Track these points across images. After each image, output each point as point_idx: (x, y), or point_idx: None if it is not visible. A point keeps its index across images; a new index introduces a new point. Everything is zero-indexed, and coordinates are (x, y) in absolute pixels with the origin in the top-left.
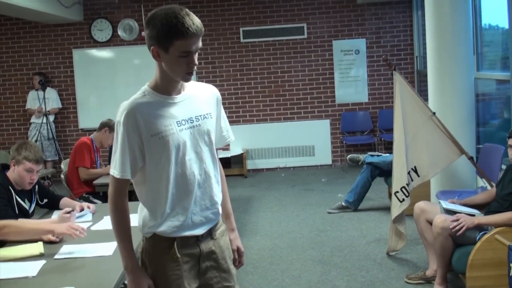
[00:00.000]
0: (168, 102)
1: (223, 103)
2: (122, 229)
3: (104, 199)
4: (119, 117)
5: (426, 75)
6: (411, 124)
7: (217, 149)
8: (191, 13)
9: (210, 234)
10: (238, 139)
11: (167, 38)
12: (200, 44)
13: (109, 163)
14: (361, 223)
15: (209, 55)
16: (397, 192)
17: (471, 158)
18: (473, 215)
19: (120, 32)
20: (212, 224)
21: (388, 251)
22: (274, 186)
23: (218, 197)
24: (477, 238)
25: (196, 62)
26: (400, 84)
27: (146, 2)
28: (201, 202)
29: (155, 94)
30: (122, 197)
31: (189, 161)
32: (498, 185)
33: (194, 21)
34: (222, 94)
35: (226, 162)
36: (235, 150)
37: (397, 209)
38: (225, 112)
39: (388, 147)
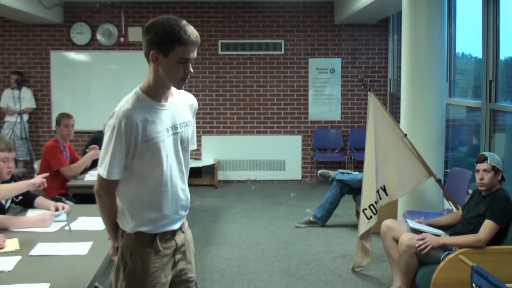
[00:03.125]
0: (159, 109)
1: (197, 113)
2: (104, 217)
3: (76, 200)
4: (115, 122)
5: (398, 98)
6: (383, 144)
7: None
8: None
9: (180, 228)
10: (210, 149)
11: (169, 43)
12: (195, 54)
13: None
14: (328, 239)
15: None
16: (365, 209)
17: (439, 181)
18: (439, 236)
19: (99, 37)
20: (183, 219)
21: (354, 267)
22: (244, 198)
23: (187, 194)
24: (442, 257)
25: (192, 70)
26: (374, 105)
27: (126, 9)
28: (178, 201)
29: (147, 99)
30: (105, 193)
31: (171, 164)
32: (464, 208)
33: (194, 30)
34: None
35: (197, 172)
36: (206, 160)
37: (364, 226)
38: (199, 122)
39: (358, 166)
